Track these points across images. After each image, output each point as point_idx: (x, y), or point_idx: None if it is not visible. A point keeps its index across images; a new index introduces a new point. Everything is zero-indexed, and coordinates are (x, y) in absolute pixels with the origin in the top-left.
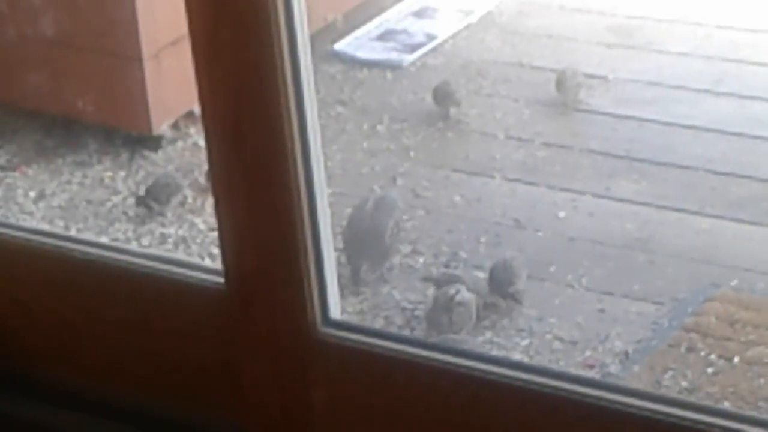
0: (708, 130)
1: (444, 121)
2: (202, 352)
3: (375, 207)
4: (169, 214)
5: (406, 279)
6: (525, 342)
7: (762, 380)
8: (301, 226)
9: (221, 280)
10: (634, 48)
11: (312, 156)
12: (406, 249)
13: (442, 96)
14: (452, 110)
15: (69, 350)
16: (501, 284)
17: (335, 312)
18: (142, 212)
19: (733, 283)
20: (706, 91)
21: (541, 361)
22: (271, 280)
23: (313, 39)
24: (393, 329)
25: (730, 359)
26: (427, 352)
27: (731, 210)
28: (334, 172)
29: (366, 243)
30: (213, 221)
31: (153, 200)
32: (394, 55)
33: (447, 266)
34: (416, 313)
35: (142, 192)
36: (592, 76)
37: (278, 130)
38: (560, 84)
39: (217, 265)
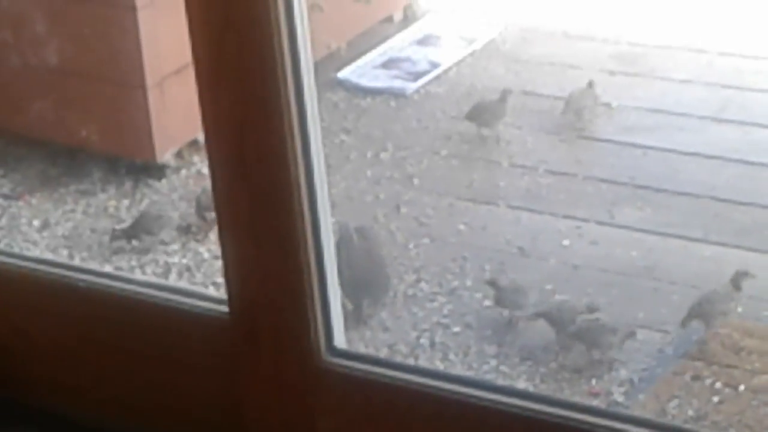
0: (711, 157)
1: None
2: (206, 380)
3: (362, 239)
4: (159, 247)
5: (410, 308)
6: (530, 370)
7: (767, 409)
8: (306, 255)
9: (226, 309)
10: (638, 75)
11: (316, 184)
12: (411, 277)
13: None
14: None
15: (71, 380)
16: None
17: (340, 341)
18: (122, 245)
19: (739, 310)
20: (710, 118)
21: (546, 389)
22: (276, 309)
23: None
24: (398, 358)
25: (735, 387)
26: (433, 381)
27: (735, 237)
28: (338, 200)
29: (366, 278)
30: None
31: (144, 232)
32: (397, 83)
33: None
34: (421, 341)
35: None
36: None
37: (282, 158)
38: (569, 106)
39: (222, 294)
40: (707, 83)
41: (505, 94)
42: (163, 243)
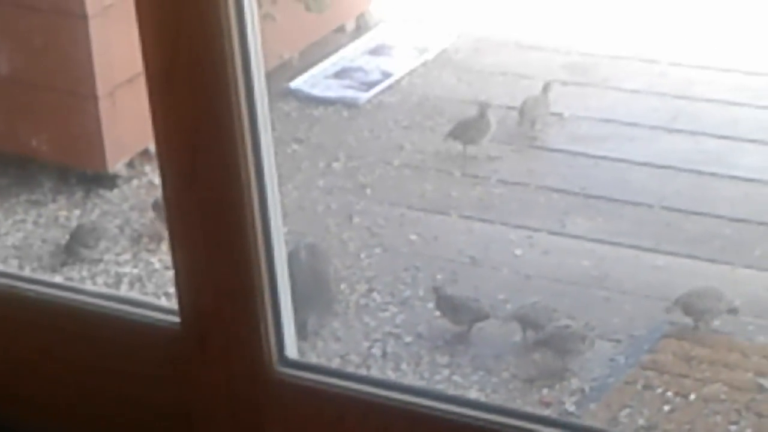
0: (662, 167)
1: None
2: (157, 391)
3: (310, 256)
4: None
5: (362, 318)
6: (482, 380)
7: (718, 417)
8: (257, 265)
9: (177, 319)
10: (589, 85)
11: (268, 194)
12: (363, 287)
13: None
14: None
15: (21, 390)
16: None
17: (292, 351)
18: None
19: (689, 319)
20: (661, 128)
21: (498, 399)
22: (227, 320)
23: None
24: (351, 368)
25: (686, 396)
26: (384, 391)
27: (686, 247)
28: (290, 210)
29: (311, 295)
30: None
31: (81, 246)
32: (350, 93)
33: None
34: (373, 351)
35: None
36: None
37: (234, 168)
38: (524, 115)
39: (174, 304)
40: (658, 93)
41: (484, 108)
42: (115, 254)
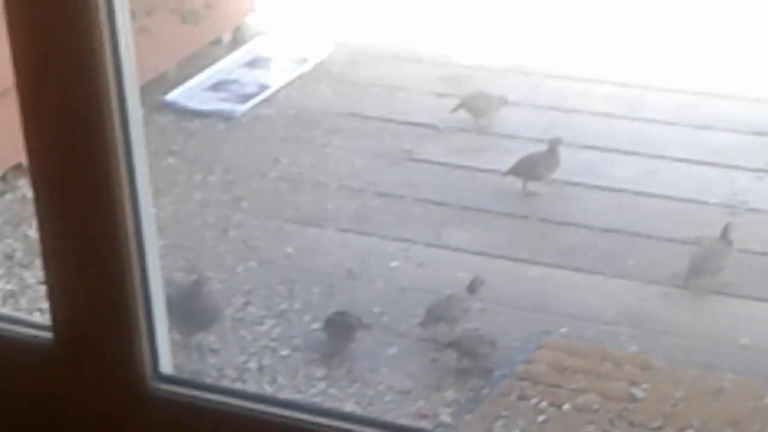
0: None
1: None
2: (31, 408)
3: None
4: None
5: (238, 331)
6: (359, 392)
7: (591, 427)
8: (131, 280)
9: (50, 335)
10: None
11: (142, 208)
12: (239, 301)
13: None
14: None
15: None
16: (338, 333)
17: (166, 366)
18: None
19: (563, 330)
20: (537, 139)
21: (374, 411)
22: (101, 335)
23: (145, 89)
24: (227, 382)
25: (560, 406)
26: (260, 405)
27: (560, 258)
28: (166, 223)
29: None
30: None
31: None
32: (226, 106)
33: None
34: (249, 365)
35: None
36: (422, 126)
37: (107, 182)
38: (469, 106)
39: (47, 320)
40: (534, 105)
41: (554, 144)
42: None
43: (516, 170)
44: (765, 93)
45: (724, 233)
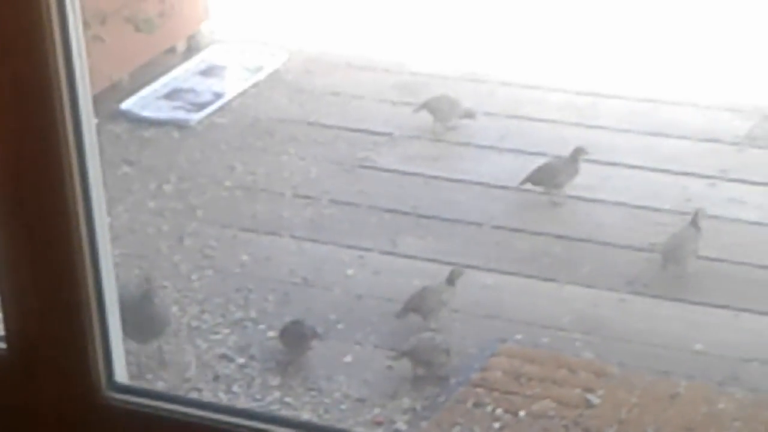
0: (492, 186)
1: None
2: None
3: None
4: None
5: (194, 340)
6: (314, 401)
7: None
8: (86, 289)
9: (3, 345)
10: (419, 105)
11: (96, 217)
12: (194, 309)
13: None
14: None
15: None
16: (294, 342)
17: (121, 375)
18: None
19: (519, 337)
20: (490, 147)
21: (330, 419)
22: (55, 344)
23: (99, 98)
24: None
25: (515, 413)
26: (215, 414)
27: (515, 265)
28: (120, 232)
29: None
30: None
31: None
32: (181, 114)
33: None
34: (205, 373)
35: None
36: (377, 134)
37: (60, 191)
38: (432, 109)
39: (0, 330)
40: (488, 113)
41: (577, 154)
42: None
43: (533, 179)
44: (717, 100)
45: (694, 220)
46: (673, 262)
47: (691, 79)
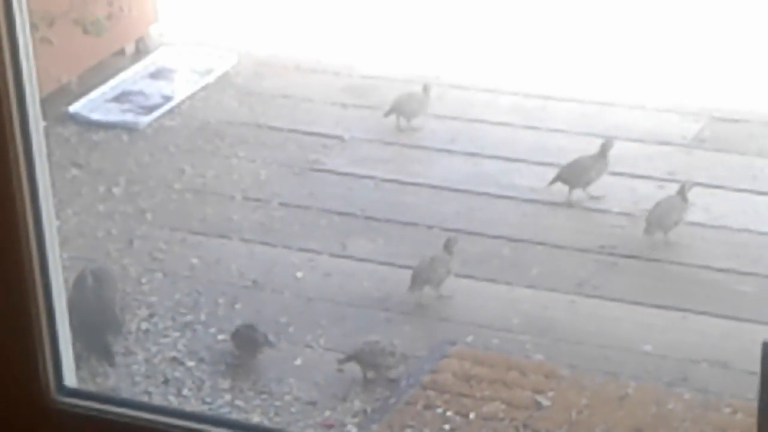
0: (442, 188)
1: None
2: None
3: (95, 282)
4: None
5: (143, 343)
6: (265, 404)
7: None
8: (33, 293)
9: None
10: (370, 108)
11: (44, 220)
12: (144, 313)
13: None
14: None
15: None
16: (245, 346)
17: (70, 379)
18: None
19: (469, 339)
20: (441, 150)
21: (281, 422)
22: (3, 348)
23: (47, 101)
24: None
25: (466, 415)
26: (165, 417)
27: (465, 267)
28: (69, 235)
29: (99, 322)
30: None
31: None
32: (130, 117)
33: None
34: (155, 377)
35: None
36: (327, 136)
37: (8, 194)
38: (400, 109)
39: None
40: (438, 116)
41: (605, 148)
42: None
43: (563, 177)
44: (666, 103)
45: (681, 191)
46: (659, 228)
47: (640, 82)
